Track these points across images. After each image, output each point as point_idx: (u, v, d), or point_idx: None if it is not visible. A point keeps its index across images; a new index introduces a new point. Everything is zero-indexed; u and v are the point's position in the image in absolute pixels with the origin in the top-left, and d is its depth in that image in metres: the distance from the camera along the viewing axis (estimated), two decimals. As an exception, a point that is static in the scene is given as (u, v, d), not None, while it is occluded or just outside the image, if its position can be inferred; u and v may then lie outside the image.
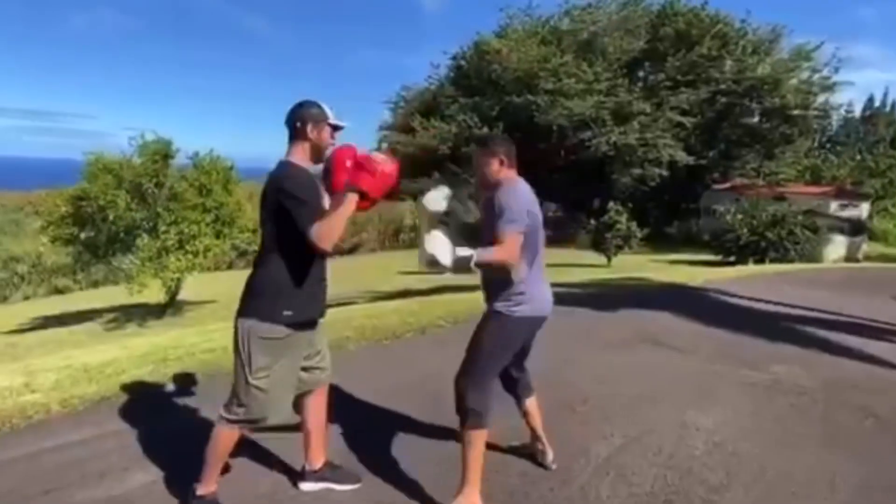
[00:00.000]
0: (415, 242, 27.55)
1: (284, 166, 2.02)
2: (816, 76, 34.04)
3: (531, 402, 2.52)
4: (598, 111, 30.06)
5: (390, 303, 6.79)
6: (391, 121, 36.59)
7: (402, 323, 5.10)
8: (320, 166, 2.15)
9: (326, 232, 1.88)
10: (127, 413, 3.08)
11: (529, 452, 2.58)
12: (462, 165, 29.96)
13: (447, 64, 36.03)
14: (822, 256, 21.27)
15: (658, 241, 26.98)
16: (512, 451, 2.63)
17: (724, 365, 4.15)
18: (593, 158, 30.71)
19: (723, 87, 32.63)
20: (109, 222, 10.65)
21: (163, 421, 2.99)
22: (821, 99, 34.54)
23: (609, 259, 20.54)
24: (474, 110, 31.36)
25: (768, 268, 14.51)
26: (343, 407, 2.98)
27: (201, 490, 2.07)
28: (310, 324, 2.10)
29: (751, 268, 15.07)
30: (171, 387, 3.46)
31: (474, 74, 33.21)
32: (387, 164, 1.96)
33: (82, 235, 10.82)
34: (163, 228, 10.71)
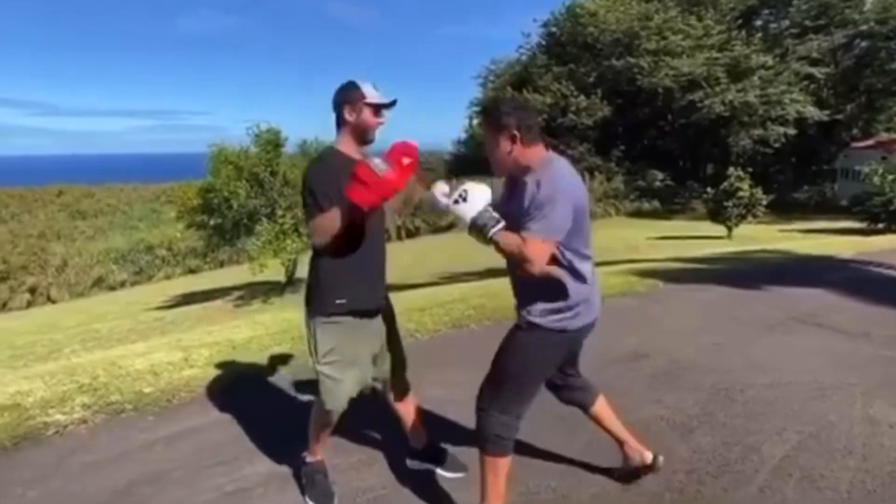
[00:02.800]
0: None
1: (321, 153, 1.96)
2: None
3: (599, 405, 2.10)
4: (710, 69, 27.45)
5: (502, 281, 6.65)
6: (482, 96, 35.86)
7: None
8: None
9: (318, 227, 1.85)
10: (274, 386, 3.26)
11: (629, 468, 2.12)
12: (559, 137, 28.90)
13: (538, 32, 34.61)
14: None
15: (785, 209, 24.35)
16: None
17: (901, 350, 3.55)
18: (706, 121, 28.19)
19: (863, 28, 28.34)
20: (234, 210, 11.55)
21: (306, 391, 3.12)
22: None
23: (730, 230, 18.75)
24: (570, 78, 29.94)
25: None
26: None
27: (310, 458, 2.22)
28: (368, 313, 2.02)
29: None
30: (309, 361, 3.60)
31: (568, 40, 31.60)
32: (388, 173, 1.72)
33: (211, 222, 11.85)
34: (279, 213, 11.43)
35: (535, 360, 1.81)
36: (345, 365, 1.99)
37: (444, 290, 6.17)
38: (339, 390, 2.01)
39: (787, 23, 28.14)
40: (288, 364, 3.60)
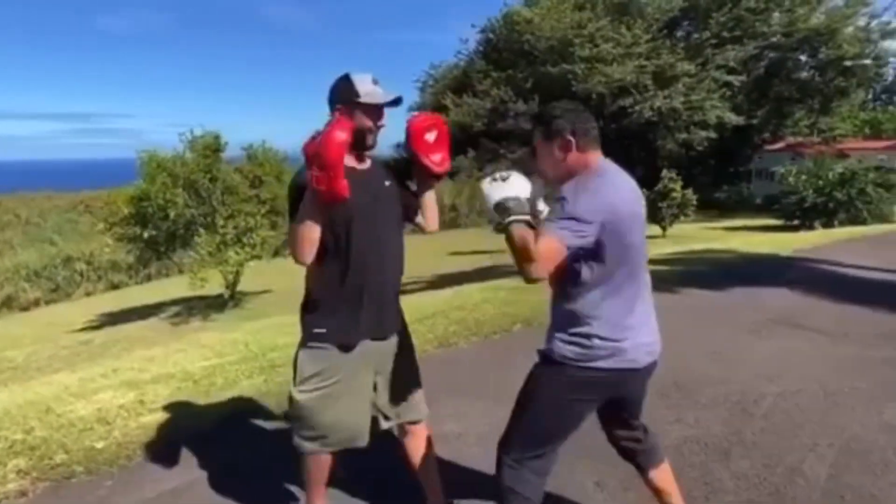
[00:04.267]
0: (456, 223, 27.20)
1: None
2: (875, 22, 31.70)
3: (662, 473, 1.77)
4: (638, 76, 28.73)
5: (474, 289, 6.44)
6: (421, 101, 35.85)
7: (505, 314, 4.75)
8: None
9: (289, 236, 1.66)
10: (259, 432, 2.84)
11: None
12: (499, 141, 29.23)
13: (476, 38, 35.01)
14: (893, 215, 19.92)
15: (707, 208, 25.85)
16: None
17: (887, 349, 3.66)
18: (635, 125, 29.49)
19: (773, 40, 30.76)
20: (170, 220, 10.65)
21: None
22: (881, 46, 32.22)
23: (664, 230, 19.70)
24: (508, 84, 30.40)
25: (845, 231, 13.53)
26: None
27: None
28: (363, 343, 1.71)
29: (828, 232, 14.11)
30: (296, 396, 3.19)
31: (505, 47, 32.10)
32: (327, 132, 1.45)
33: (144, 234, 10.88)
34: (220, 223, 10.67)
35: (555, 399, 1.53)
36: (327, 397, 1.69)
37: (417, 301, 5.85)
38: (316, 423, 1.71)
39: (707, 33, 30.00)
40: (268, 402, 3.17)
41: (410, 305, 5.64)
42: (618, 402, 1.67)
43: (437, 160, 1.75)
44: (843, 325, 4.18)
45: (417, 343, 4.12)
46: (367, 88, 1.67)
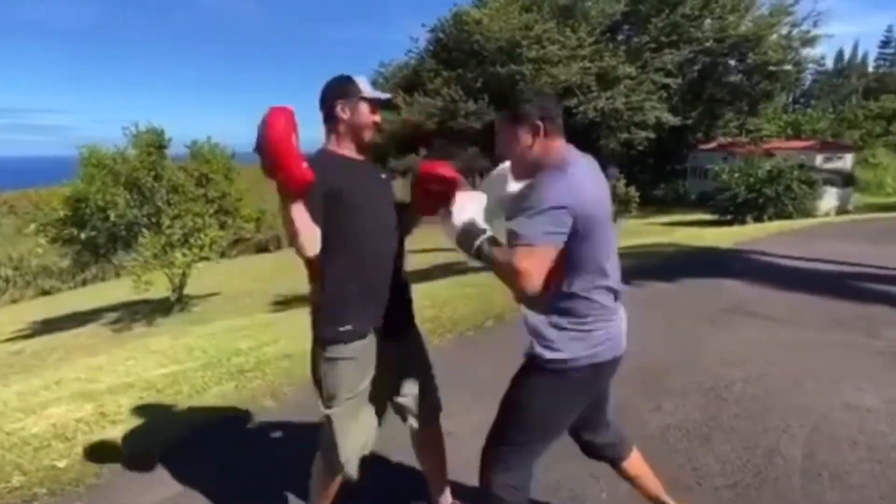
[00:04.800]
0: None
1: (311, 158, 1.61)
2: (796, 31, 34.06)
3: (634, 461, 1.77)
4: (583, 77, 29.61)
5: (441, 285, 6.41)
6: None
7: (477, 310, 4.75)
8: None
9: (287, 235, 1.58)
10: (242, 441, 2.69)
11: None
12: (450, 139, 29.33)
13: (426, 37, 34.99)
14: (816, 210, 21.54)
15: (647, 205, 27.01)
16: None
17: (836, 333, 3.93)
18: (580, 125, 30.38)
19: (706, 45, 32.47)
20: (110, 221, 9.97)
21: (287, 443, 2.61)
22: (802, 53, 34.68)
23: None
24: (458, 83, 30.57)
25: (775, 225, 14.50)
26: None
27: None
28: (385, 336, 1.69)
29: (760, 226, 15.03)
30: (269, 404, 3.06)
31: (455, 46, 32.26)
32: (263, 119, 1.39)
33: (82, 236, 10.14)
34: (166, 223, 10.09)
35: (540, 401, 1.49)
36: (356, 408, 1.66)
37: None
38: (349, 435, 1.66)
39: (646, 38, 31.27)
40: (241, 409, 3.02)
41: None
42: (598, 396, 1.65)
43: (424, 206, 1.66)
44: (791, 312, 4.46)
45: (451, 326, 4.09)
46: (368, 87, 1.69)
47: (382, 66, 36.78)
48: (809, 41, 34.10)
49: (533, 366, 1.50)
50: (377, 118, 1.69)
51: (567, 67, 29.25)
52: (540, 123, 1.46)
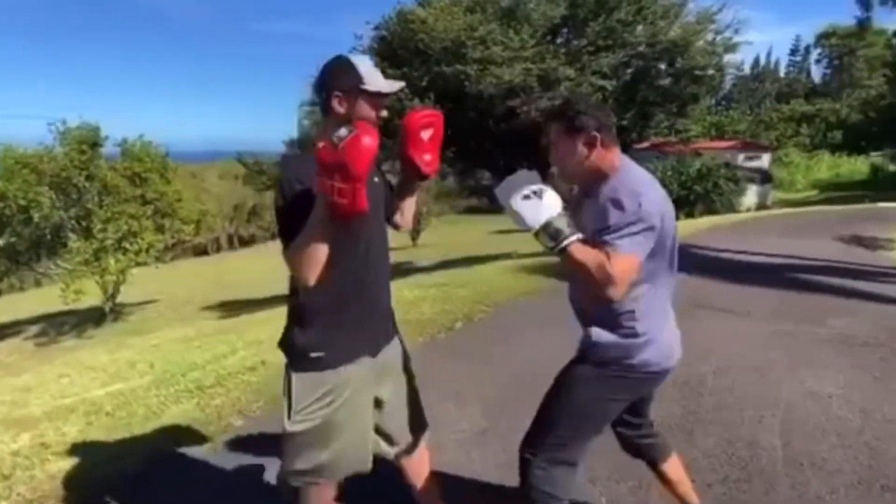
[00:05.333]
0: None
1: (299, 155, 1.51)
2: (719, 38, 36.26)
3: (672, 465, 1.80)
4: (525, 78, 30.18)
5: (402, 286, 6.27)
6: (313, 96, 34.50)
7: (442, 312, 4.68)
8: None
9: (291, 256, 1.37)
10: (204, 471, 2.47)
11: None
12: (394, 137, 29.10)
13: (370, 34, 34.50)
14: (739, 205, 23.06)
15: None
16: None
17: (786, 323, 4.16)
18: (524, 125, 31.01)
19: (640, 50, 33.95)
20: (34, 225, 9.09)
21: (263, 472, 2.42)
22: (725, 59, 36.93)
23: None
24: (404, 81, 30.41)
25: (706, 220, 15.34)
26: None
27: None
28: (365, 363, 1.55)
29: (693, 221, 15.86)
30: (238, 422, 2.85)
31: (400, 45, 32.01)
32: (352, 139, 1.25)
33: (1, 241, 9.19)
34: (98, 227, 9.31)
35: (595, 398, 1.53)
36: (330, 424, 1.50)
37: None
38: (319, 453, 1.51)
39: (584, 41, 32.29)
40: (207, 431, 2.80)
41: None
42: (644, 399, 1.69)
43: (428, 160, 1.58)
44: (744, 304, 4.69)
45: (421, 329, 3.95)
46: (370, 72, 1.49)
47: (324, 63, 36.00)
48: (731, 48, 36.37)
49: (585, 360, 1.52)
50: (383, 113, 1.52)
51: (510, 68, 29.72)
52: (597, 135, 1.47)
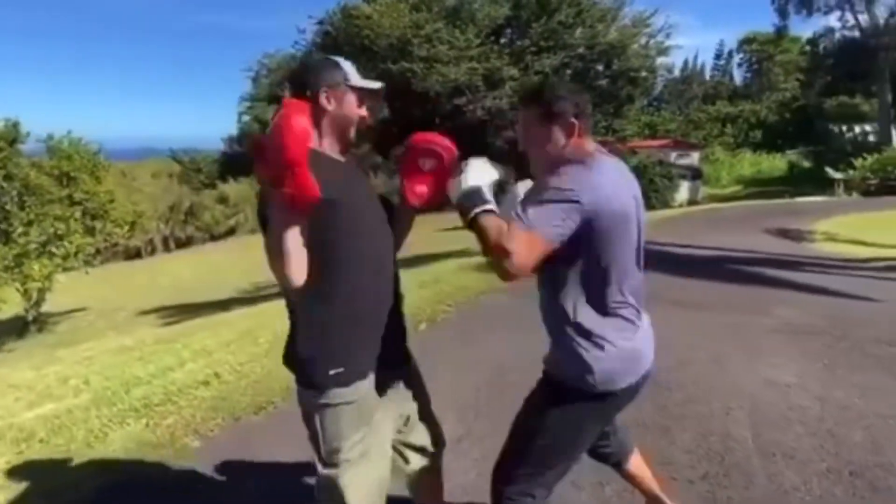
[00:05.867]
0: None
1: None
2: (653, 41, 37.99)
3: (635, 462, 1.78)
4: (471, 77, 30.48)
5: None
6: (254, 91, 33.34)
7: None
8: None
9: (268, 258, 1.27)
10: (168, 501, 2.25)
11: None
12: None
13: (314, 29, 33.72)
14: (672, 201, 24.26)
15: (528, 199, 28.71)
16: None
17: (735, 315, 4.34)
18: (469, 124, 31.23)
19: (579, 51, 35.02)
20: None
21: (228, 499, 2.23)
22: (657, 61, 38.72)
23: None
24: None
25: (645, 215, 15.96)
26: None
27: None
28: (384, 376, 1.45)
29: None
30: (195, 444, 2.62)
31: (345, 41, 31.46)
32: (283, 118, 1.18)
33: None
34: (19, 230, 8.49)
35: (572, 429, 1.40)
36: (365, 457, 1.38)
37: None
38: (357, 493, 1.38)
39: (527, 42, 32.95)
40: (161, 455, 2.55)
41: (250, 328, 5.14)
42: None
43: (417, 191, 1.48)
44: (693, 296, 4.86)
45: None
46: (353, 71, 1.46)
47: (267, 57, 34.83)
48: (663, 51, 38.25)
49: (564, 392, 1.38)
50: (364, 112, 1.45)
51: (456, 67, 29.87)
52: (575, 122, 1.36)
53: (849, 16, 30.53)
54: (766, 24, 40.28)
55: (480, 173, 1.35)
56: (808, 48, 35.88)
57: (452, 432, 2.61)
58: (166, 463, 2.47)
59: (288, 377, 3.36)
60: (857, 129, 28.99)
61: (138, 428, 2.81)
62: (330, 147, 1.42)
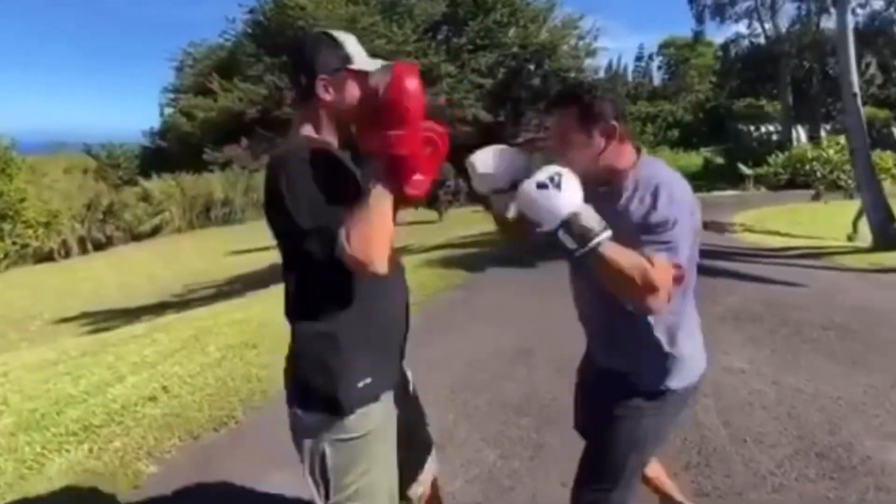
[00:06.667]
0: (230, 218, 24.72)
1: (290, 151, 1.20)
2: (581, 43, 39.41)
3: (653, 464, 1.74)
4: (409, 72, 30.40)
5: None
6: (178, 82, 31.34)
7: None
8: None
9: (357, 242, 1.06)
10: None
11: None
12: (275, 129, 27.52)
13: (244, 18, 32.16)
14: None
15: (467, 195, 28.97)
16: None
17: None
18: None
19: (513, 50, 35.77)
20: None
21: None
22: (586, 62, 40.21)
23: (441, 214, 21.60)
24: (283, 70, 28.83)
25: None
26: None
27: None
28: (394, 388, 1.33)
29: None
30: (150, 469, 2.37)
31: (278, 31, 30.23)
32: (397, 80, 1.04)
33: None
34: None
35: (656, 433, 1.40)
36: (372, 485, 1.25)
37: (236, 316, 5.03)
38: None
39: (464, 39, 33.14)
40: (114, 488, 2.29)
41: (236, 322, 4.85)
42: None
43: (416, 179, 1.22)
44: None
45: (267, 372, 3.54)
46: (357, 50, 1.28)
47: (192, 46, 32.77)
48: (591, 52, 39.68)
49: (648, 397, 1.36)
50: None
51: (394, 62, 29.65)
52: (616, 124, 1.27)
53: (756, 24, 33.16)
54: (684, 28, 42.81)
55: (575, 187, 1.15)
56: (720, 53, 38.49)
57: (432, 438, 2.54)
58: (117, 493, 2.22)
59: (248, 388, 3.16)
60: (763, 128, 31.47)
61: (80, 454, 2.50)
62: (329, 134, 1.27)
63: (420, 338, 4.08)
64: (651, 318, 1.30)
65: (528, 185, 1.16)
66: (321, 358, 1.20)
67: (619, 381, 1.38)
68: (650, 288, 1.14)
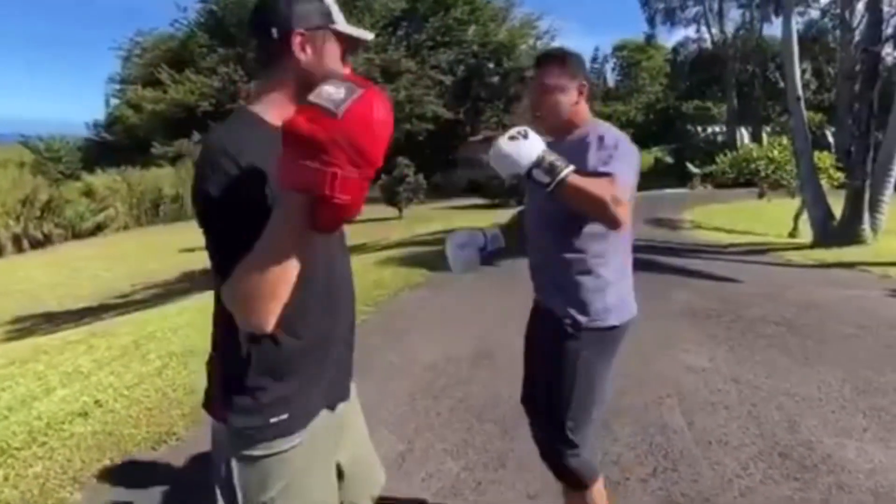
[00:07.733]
0: (180, 215, 23.69)
1: (223, 128, 1.00)
2: (539, 42, 40.01)
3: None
4: (369, 69, 29.90)
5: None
6: (125, 72, 29.80)
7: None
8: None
9: (238, 288, 0.88)
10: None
11: None
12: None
13: (196, 7, 30.88)
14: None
15: (426, 192, 28.89)
16: None
17: (646, 302, 4.39)
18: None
19: (473, 48, 35.94)
20: None
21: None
22: (544, 62, 40.87)
23: (401, 211, 21.44)
24: (238, 62, 27.83)
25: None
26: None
27: None
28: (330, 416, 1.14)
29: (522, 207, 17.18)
30: (74, 498, 2.12)
31: (233, 22, 29.18)
32: (354, 103, 0.79)
33: None
34: None
35: (595, 369, 1.53)
36: None
37: (199, 318, 4.72)
38: None
39: (424, 36, 33.11)
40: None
41: (181, 326, 4.54)
42: None
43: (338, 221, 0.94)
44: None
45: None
46: (338, 12, 1.04)
47: (140, 35, 31.27)
48: (549, 54, 40.59)
49: (575, 333, 1.49)
50: (348, 70, 1.05)
51: (354, 58, 28.70)
52: (586, 84, 1.52)
53: (704, 29, 34.46)
54: (638, 32, 44.00)
55: (537, 137, 1.34)
56: (670, 56, 39.81)
57: (392, 450, 2.40)
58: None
59: (191, 401, 2.92)
60: (710, 129, 32.73)
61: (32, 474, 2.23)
62: (281, 116, 0.92)
63: (381, 341, 3.97)
64: (582, 247, 1.49)
65: (502, 140, 1.34)
66: (236, 378, 1.01)
67: (556, 320, 1.52)
68: (616, 201, 1.28)
